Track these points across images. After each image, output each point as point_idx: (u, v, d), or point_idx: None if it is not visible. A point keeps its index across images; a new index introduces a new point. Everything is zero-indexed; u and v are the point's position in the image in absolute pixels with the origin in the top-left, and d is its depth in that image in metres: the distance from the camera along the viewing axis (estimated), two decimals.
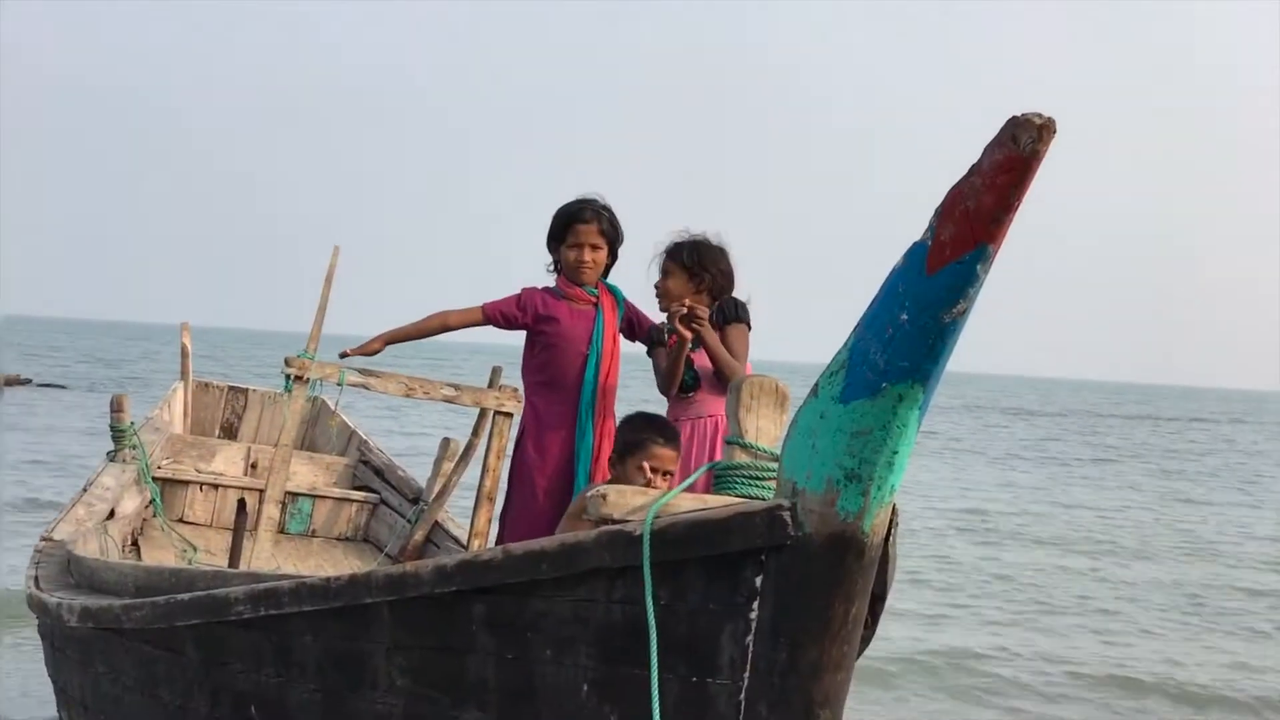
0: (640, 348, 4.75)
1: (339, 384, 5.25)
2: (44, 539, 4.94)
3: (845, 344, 2.09)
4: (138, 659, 3.49)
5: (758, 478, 2.63)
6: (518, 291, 4.69)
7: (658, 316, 4.58)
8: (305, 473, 7.20)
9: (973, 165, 1.86)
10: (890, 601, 2.52)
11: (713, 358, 4.22)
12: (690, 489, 2.66)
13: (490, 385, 5.76)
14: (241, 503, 6.49)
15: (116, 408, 6.13)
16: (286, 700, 2.93)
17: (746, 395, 2.64)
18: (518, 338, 4.77)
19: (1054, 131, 1.80)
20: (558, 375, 4.62)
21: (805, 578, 2.18)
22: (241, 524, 5.78)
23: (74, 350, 59.17)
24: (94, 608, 3.68)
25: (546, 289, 4.70)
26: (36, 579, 4.35)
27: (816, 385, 2.12)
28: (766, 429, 2.65)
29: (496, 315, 4.66)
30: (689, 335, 4.12)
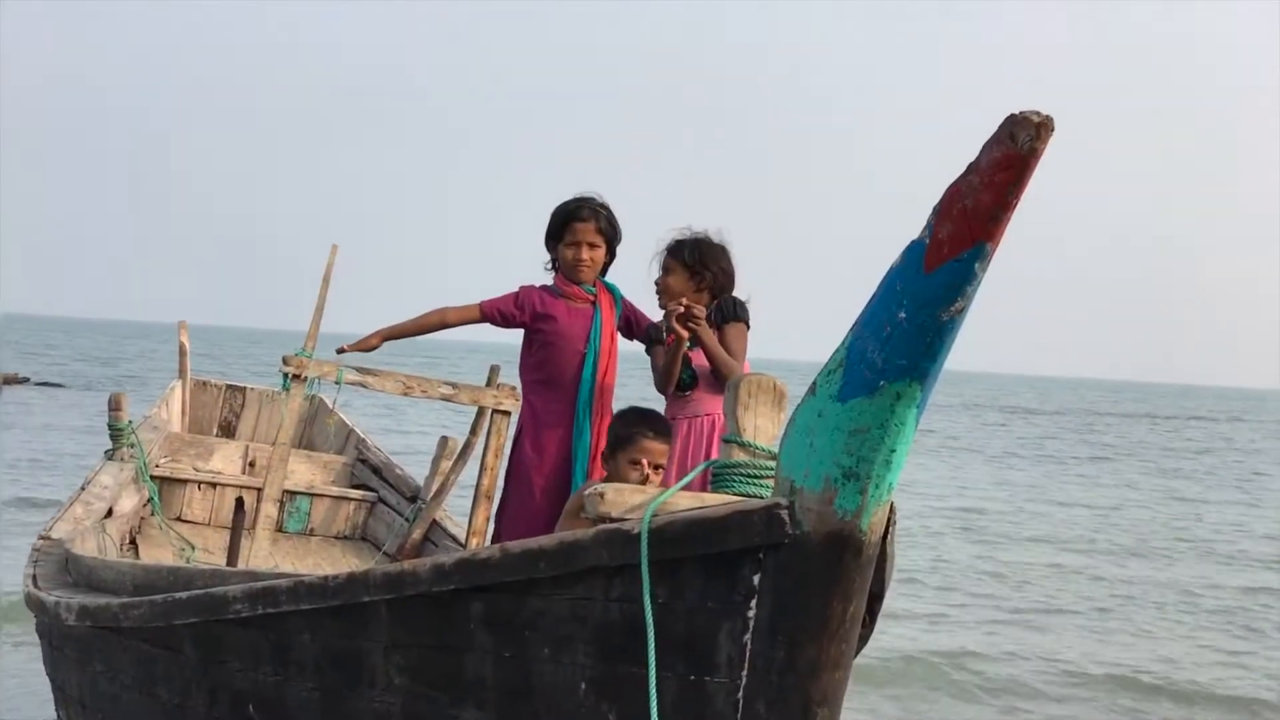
0: (638, 346, 4.74)
1: (337, 382, 5.25)
2: (42, 537, 4.94)
3: (843, 342, 2.08)
4: (136, 657, 3.49)
5: (755, 476, 2.62)
6: (516, 290, 4.69)
7: (657, 314, 4.57)
8: (303, 471, 7.19)
9: (971, 163, 1.86)
10: (887, 600, 2.52)
11: (710, 357, 4.22)
12: (688, 487, 2.65)
13: (488, 384, 5.76)
14: (239, 501, 6.49)
15: (114, 406, 6.12)
16: (284, 699, 2.93)
17: (744, 393, 2.63)
18: (515, 336, 4.76)
19: (1052, 129, 1.80)
20: (555, 374, 4.62)
21: (803, 576, 2.18)
22: (239, 522, 5.78)
23: (71, 349, 59.14)
24: (92, 606, 3.68)
25: (544, 287, 4.70)
26: (34, 578, 4.34)
27: (814, 383, 2.12)
28: (764, 427, 2.64)
29: (494, 313, 4.66)
30: (685, 334, 4.12)
